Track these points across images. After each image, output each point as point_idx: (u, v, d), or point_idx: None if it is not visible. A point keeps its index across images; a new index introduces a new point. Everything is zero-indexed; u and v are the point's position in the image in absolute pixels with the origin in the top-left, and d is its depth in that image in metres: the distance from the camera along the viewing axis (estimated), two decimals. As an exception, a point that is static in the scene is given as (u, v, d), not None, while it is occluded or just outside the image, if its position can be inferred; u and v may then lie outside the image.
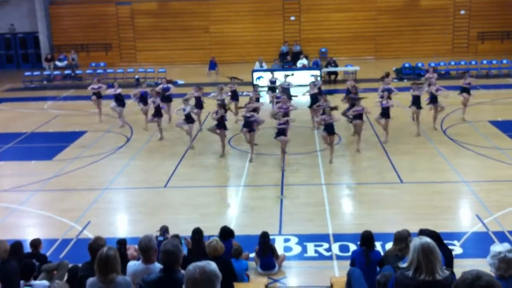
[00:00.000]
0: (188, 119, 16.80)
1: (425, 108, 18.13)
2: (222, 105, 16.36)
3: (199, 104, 18.57)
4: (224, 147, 16.40)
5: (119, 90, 19.83)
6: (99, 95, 20.59)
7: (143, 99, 19.31)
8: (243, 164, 15.73)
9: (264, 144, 16.94)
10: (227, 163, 15.99)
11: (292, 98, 18.65)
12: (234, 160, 16.09)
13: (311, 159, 15.88)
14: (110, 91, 20.06)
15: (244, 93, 21.83)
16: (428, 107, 18.16)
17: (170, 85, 20.20)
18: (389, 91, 18.12)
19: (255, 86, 19.32)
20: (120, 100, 19.84)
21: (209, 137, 17.64)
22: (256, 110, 16.84)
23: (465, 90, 19.24)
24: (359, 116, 16.19)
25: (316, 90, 18.76)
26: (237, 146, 17.35)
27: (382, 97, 17.14)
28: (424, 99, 18.30)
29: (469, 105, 19.50)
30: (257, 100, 18.23)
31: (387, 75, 20.60)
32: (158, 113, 17.81)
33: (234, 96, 19.86)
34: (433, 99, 17.97)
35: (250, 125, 15.62)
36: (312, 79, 20.84)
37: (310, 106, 18.47)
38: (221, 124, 16.00)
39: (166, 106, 19.75)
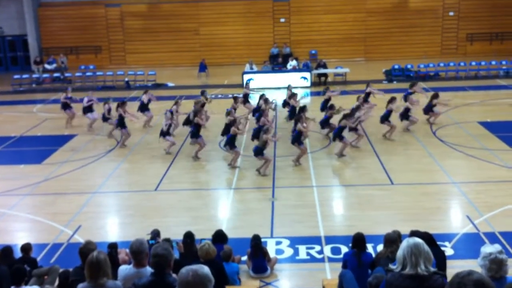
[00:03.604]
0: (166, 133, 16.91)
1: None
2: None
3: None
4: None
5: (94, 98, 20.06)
6: (67, 107, 20.52)
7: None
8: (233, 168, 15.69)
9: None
10: (218, 166, 15.95)
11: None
12: (224, 163, 16.05)
13: (302, 161, 15.86)
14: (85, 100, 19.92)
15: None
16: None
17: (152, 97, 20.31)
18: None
19: (236, 98, 19.14)
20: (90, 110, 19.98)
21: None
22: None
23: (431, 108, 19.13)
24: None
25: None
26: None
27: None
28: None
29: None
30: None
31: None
32: (121, 123, 17.79)
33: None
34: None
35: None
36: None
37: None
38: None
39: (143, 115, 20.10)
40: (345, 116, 16.14)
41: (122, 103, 17.99)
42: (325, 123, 17.59)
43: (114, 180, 15.21)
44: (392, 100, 17.67)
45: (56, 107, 21.93)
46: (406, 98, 18.43)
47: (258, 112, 18.07)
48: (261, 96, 19.35)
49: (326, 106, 18.58)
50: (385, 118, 17.60)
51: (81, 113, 20.29)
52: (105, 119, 19.05)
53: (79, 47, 34.98)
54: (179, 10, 34.49)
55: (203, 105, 18.66)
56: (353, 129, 16.63)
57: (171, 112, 17.47)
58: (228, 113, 16.56)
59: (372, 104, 19.79)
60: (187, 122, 17.93)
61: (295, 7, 34.29)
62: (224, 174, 15.35)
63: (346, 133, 16.43)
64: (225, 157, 16.30)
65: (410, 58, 31.39)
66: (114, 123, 18.21)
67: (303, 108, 16.95)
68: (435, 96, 19.10)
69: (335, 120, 17.34)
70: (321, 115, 18.20)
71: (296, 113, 17.72)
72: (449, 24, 34.32)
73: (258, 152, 14.78)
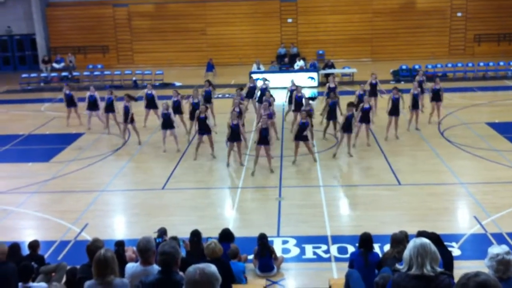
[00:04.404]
0: (167, 124, 16.86)
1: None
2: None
3: (178, 109, 18.54)
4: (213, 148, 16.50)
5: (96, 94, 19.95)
6: (71, 103, 20.55)
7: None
8: (240, 166, 15.69)
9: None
10: (224, 165, 15.94)
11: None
12: (231, 162, 16.05)
13: (309, 161, 15.87)
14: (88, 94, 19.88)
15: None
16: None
17: (153, 91, 19.99)
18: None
19: (237, 90, 19.05)
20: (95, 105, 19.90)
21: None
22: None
23: (436, 95, 19.02)
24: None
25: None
26: (234, 147, 17.29)
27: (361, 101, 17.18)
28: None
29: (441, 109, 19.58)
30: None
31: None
32: (127, 118, 17.69)
33: (207, 99, 19.66)
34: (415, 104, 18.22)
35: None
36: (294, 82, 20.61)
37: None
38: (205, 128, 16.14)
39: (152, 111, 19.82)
40: (349, 105, 16.07)
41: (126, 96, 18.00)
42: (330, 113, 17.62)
43: (121, 179, 15.25)
44: (393, 90, 17.67)
45: (64, 106, 21.97)
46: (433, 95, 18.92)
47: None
48: (264, 80, 19.82)
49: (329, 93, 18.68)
50: (395, 110, 17.47)
51: (84, 112, 20.31)
52: (108, 109, 19.06)
53: (87, 46, 35.10)
54: (186, 10, 34.54)
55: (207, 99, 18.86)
56: (366, 121, 16.61)
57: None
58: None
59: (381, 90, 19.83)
60: (192, 116, 17.71)
61: (302, 7, 34.26)
62: (231, 173, 15.37)
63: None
64: (233, 157, 16.31)
65: (417, 59, 31.30)
66: (122, 121, 18.12)
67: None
68: (435, 81, 19.19)
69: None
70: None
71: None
72: (456, 24, 34.19)
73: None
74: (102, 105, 19.68)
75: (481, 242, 10.56)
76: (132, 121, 17.66)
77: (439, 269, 4.45)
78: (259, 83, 20.77)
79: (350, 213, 12.79)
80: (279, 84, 25.59)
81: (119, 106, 18.61)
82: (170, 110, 17.03)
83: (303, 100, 17.80)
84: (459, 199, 13.22)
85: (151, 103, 19.69)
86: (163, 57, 34.23)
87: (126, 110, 17.55)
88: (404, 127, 18.34)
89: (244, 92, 19.61)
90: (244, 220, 12.25)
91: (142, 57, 34.95)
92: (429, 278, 4.39)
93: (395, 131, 17.65)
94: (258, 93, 20.09)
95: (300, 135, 15.32)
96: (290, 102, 19.27)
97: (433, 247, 4.48)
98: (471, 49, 34.13)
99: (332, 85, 19.48)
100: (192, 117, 17.56)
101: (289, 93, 19.50)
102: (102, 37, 35.12)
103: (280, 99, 21.47)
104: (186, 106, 18.65)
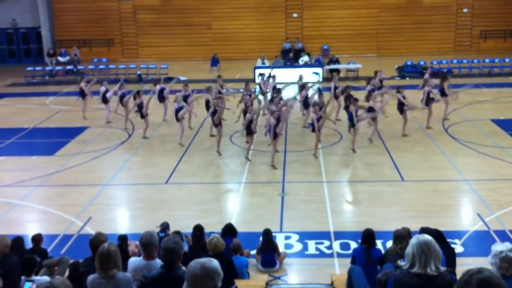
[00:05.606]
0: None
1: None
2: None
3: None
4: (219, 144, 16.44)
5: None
6: (84, 95, 20.63)
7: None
8: (244, 160, 15.69)
9: (266, 142, 16.89)
10: (228, 160, 15.96)
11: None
12: (235, 157, 16.06)
13: (312, 156, 15.84)
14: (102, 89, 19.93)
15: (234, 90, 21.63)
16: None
17: (163, 85, 19.97)
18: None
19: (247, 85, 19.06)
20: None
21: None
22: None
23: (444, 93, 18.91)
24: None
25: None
26: (238, 143, 17.32)
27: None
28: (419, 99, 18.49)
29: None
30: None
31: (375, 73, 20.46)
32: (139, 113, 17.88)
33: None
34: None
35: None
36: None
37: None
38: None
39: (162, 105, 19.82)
40: (353, 101, 16.02)
41: (137, 92, 18.10)
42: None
43: (125, 173, 15.28)
44: (398, 90, 17.55)
45: (69, 100, 22.04)
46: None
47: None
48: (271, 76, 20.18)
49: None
50: (400, 110, 17.44)
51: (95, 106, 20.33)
52: (121, 100, 19.14)
53: (92, 40, 35.12)
54: (192, 4, 34.49)
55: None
56: (372, 118, 16.63)
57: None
58: (241, 101, 16.69)
59: (386, 88, 19.27)
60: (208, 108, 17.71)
61: (307, 2, 34.15)
62: (235, 168, 15.38)
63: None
64: (235, 151, 16.30)
65: (423, 55, 31.19)
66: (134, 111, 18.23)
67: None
68: (445, 78, 18.96)
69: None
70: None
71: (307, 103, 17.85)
72: (462, 20, 34.04)
73: None
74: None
75: (484, 239, 10.56)
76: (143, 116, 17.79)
77: (442, 268, 4.44)
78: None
79: (353, 209, 12.78)
80: (283, 79, 25.52)
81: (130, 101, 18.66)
82: (183, 104, 17.11)
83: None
84: (462, 196, 13.20)
85: (162, 97, 19.69)
86: (168, 51, 34.22)
87: (140, 106, 17.66)
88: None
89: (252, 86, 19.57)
90: (247, 215, 12.25)
91: (147, 51, 34.95)
92: (432, 276, 4.39)
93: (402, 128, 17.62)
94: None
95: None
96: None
97: (436, 246, 4.47)
98: (476, 45, 34.00)
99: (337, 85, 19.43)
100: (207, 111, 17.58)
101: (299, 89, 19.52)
102: (107, 31, 35.12)
103: (285, 94, 21.39)
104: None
